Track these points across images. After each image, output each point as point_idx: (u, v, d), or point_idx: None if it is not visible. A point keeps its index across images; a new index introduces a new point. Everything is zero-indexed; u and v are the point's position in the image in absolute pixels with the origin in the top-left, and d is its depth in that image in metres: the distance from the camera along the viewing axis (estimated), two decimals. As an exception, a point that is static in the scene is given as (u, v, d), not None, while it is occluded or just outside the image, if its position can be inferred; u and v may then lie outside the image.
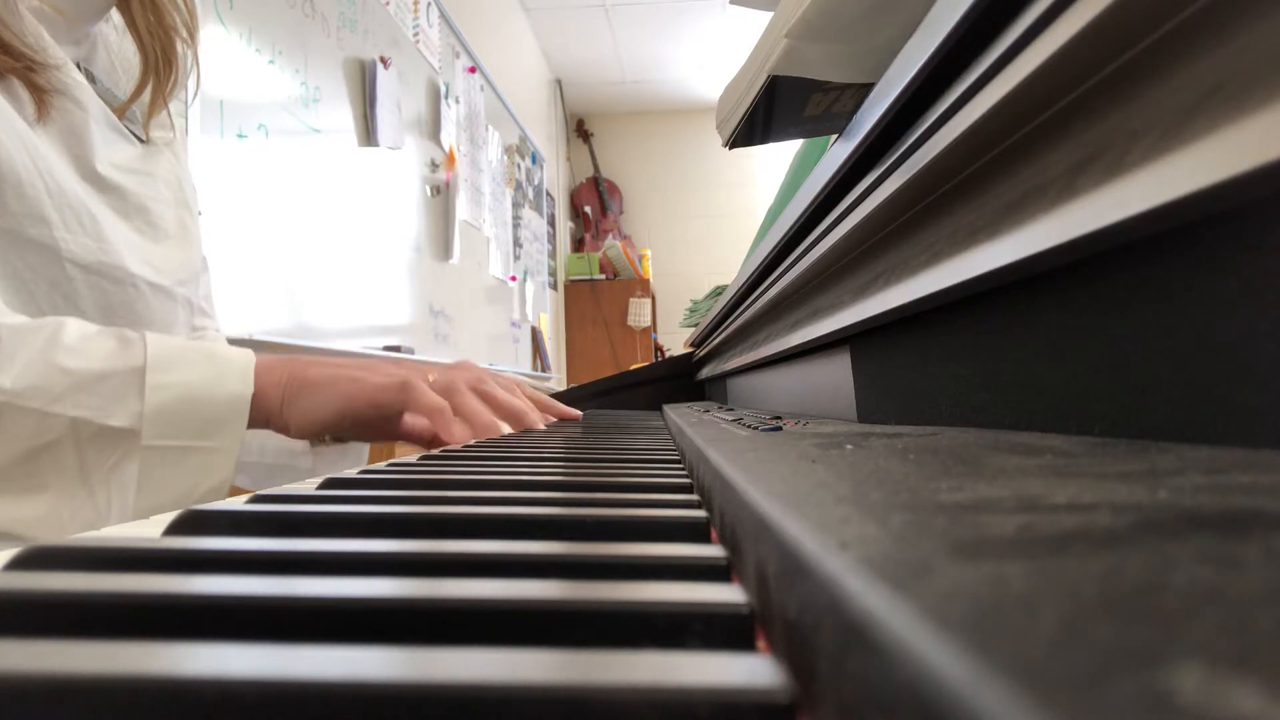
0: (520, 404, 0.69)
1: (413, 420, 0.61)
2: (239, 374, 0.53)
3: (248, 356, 0.55)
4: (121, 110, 0.62)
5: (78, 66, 0.59)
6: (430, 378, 0.63)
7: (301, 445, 0.68)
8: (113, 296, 0.57)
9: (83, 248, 0.54)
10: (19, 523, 0.46)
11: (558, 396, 1.52)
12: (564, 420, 0.78)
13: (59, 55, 0.56)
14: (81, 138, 0.57)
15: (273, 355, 0.58)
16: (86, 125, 0.57)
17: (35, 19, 0.55)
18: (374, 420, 0.59)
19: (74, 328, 0.49)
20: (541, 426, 0.72)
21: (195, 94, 0.70)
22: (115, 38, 0.66)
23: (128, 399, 0.48)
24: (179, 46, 0.66)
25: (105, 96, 0.61)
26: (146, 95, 0.64)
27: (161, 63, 0.64)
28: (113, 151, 0.60)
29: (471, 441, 0.60)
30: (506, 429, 0.68)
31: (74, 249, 0.53)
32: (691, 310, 1.97)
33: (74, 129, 0.56)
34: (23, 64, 0.52)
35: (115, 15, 0.65)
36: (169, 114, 0.68)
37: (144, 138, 0.65)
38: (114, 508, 0.48)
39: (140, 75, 0.63)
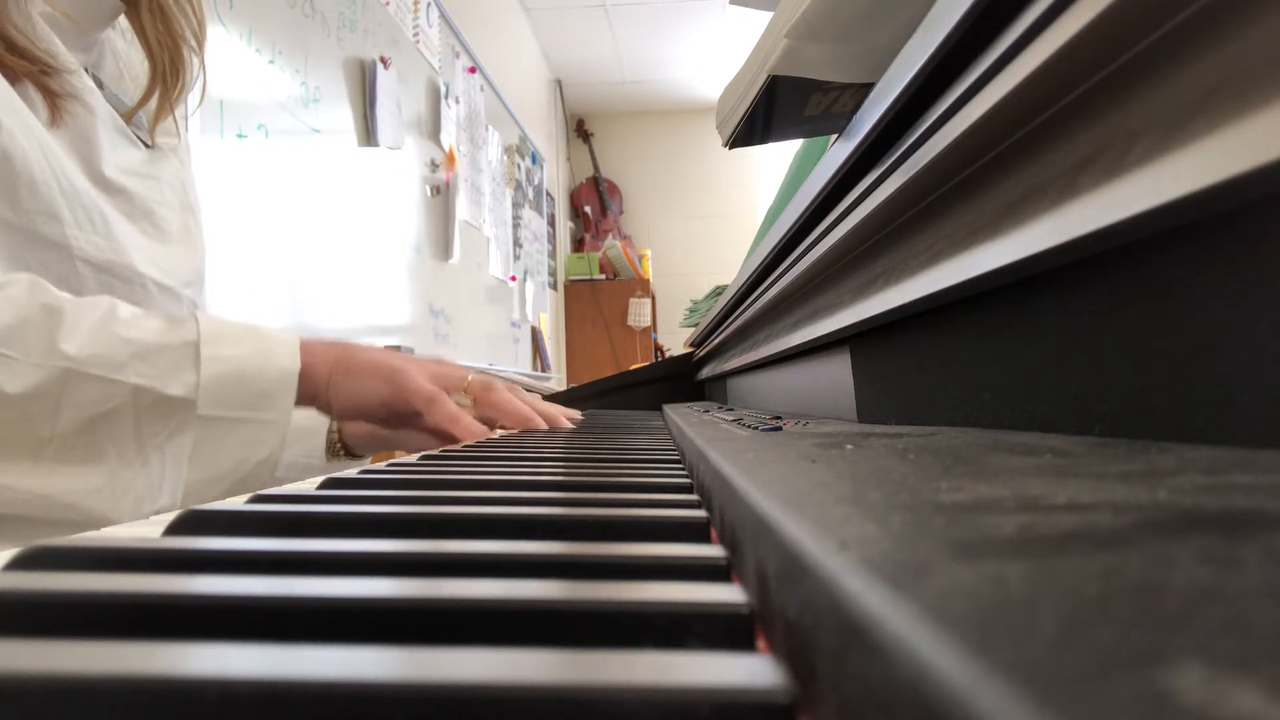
0: (551, 409, 0.74)
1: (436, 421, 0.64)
2: (287, 351, 0.56)
3: (293, 335, 0.58)
4: (129, 116, 0.63)
5: (86, 72, 0.59)
6: (470, 377, 0.67)
7: (319, 460, 0.70)
8: (121, 295, 0.57)
9: (93, 246, 0.55)
10: (75, 493, 0.47)
11: (557, 397, 1.52)
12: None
13: (70, 60, 0.57)
14: (90, 141, 0.57)
15: (318, 338, 0.61)
16: (95, 129, 0.58)
17: (47, 25, 0.56)
18: (406, 415, 0.62)
19: (125, 306, 0.51)
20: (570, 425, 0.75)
21: (200, 101, 0.71)
22: (123, 45, 0.66)
23: (184, 370, 0.50)
24: (186, 54, 0.66)
25: (112, 102, 0.62)
26: (153, 102, 0.64)
27: (169, 70, 0.64)
28: (120, 155, 0.60)
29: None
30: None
31: (85, 247, 0.54)
32: (691, 310, 1.97)
33: (83, 132, 0.57)
34: (37, 67, 0.53)
35: (124, 23, 0.65)
36: (175, 120, 0.68)
37: (149, 143, 0.65)
38: (167, 479, 0.50)
39: (148, 82, 0.64)
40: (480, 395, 0.66)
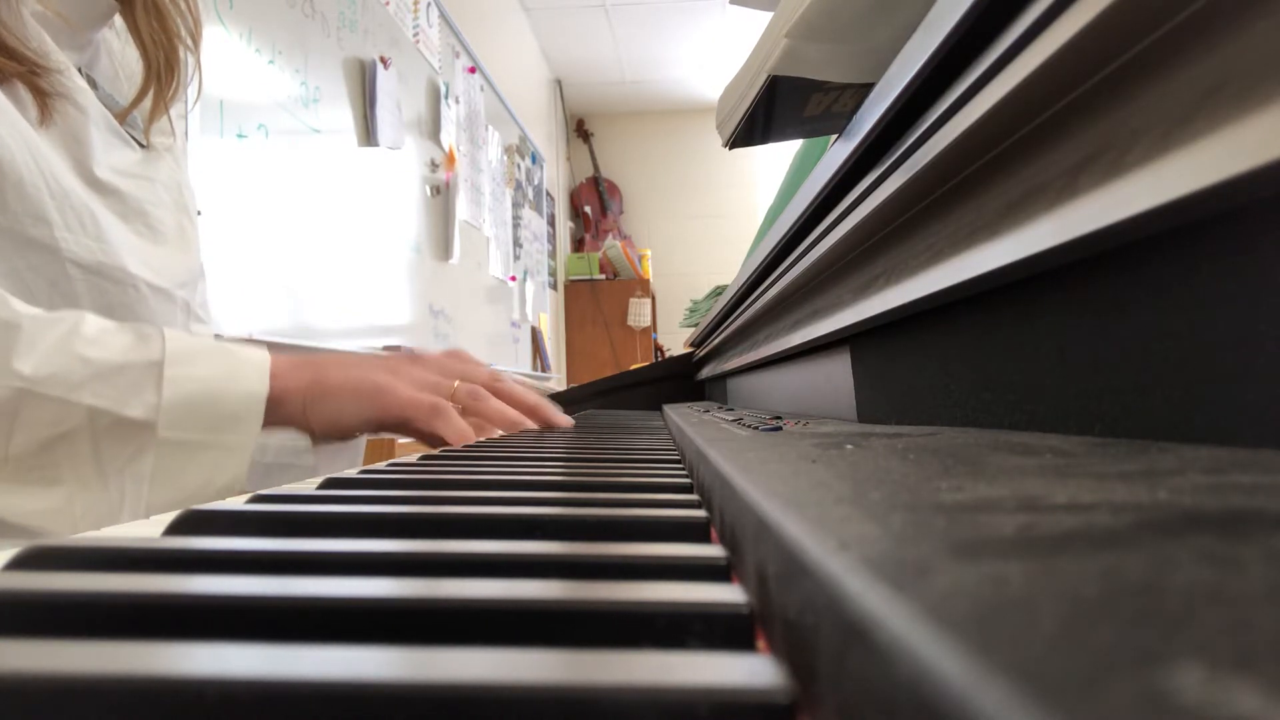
0: (537, 398, 0.72)
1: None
2: (256, 373, 0.54)
3: (264, 356, 0.56)
4: (123, 116, 0.62)
5: (80, 72, 0.59)
6: (455, 384, 0.65)
7: (304, 443, 0.69)
8: (113, 297, 0.57)
9: (83, 248, 0.54)
10: (33, 515, 0.45)
11: (557, 396, 1.52)
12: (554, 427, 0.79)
13: (61, 60, 0.56)
14: (81, 141, 0.57)
15: (292, 355, 0.59)
16: (86, 129, 0.57)
17: (38, 24, 0.56)
18: (398, 430, 0.61)
19: (93, 321, 0.49)
20: (565, 421, 0.74)
21: (196, 100, 0.70)
22: (118, 44, 0.66)
23: (145, 391, 0.48)
24: (181, 53, 0.65)
25: (107, 102, 0.61)
26: (148, 101, 0.64)
27: (164, 69, 0.64)
28: (112, 155, 0.60)
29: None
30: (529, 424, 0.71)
31: (75, 249, 0.54)
32: (691, 310, 1.97)
33: (74, 132, 0.56)
34: (26, 67, 0.52)
35: (119, 21, 0.65)
36: (170, 120, 0.68)
37: (144, 143, 0.65)
38: (127, 501, 0.48)
39: (142, 81, 0.63)
40: (469, 405, 0.65)
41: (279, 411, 0.54)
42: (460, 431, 0.60)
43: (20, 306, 0.47)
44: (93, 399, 0.47)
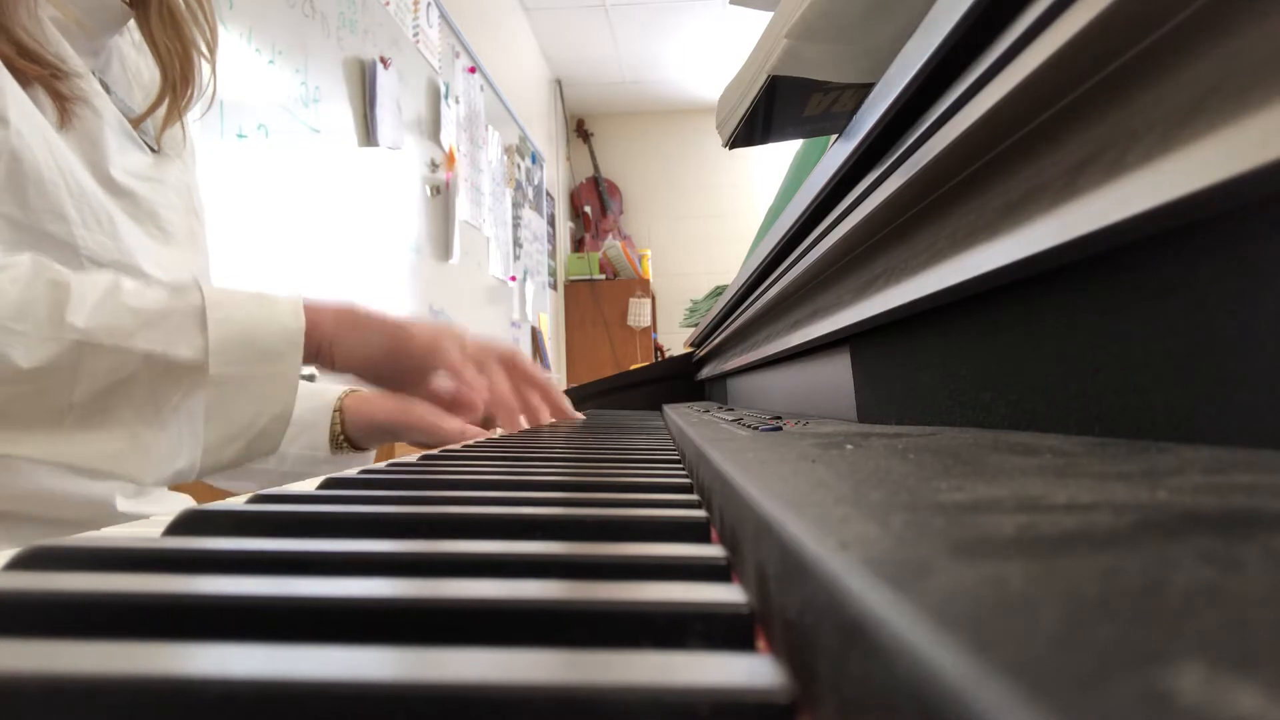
0: (546, 379, 0.76)
1: (439, 382, 0.66)
2: (291, 311, 0.57)
3: (297, 295, 0.59)
4: (138, 121, 0.63)
5: (94, 76, 0.60)
6: (466, 342, 0.68)
7: (324, 453, 0.70)
8: None
9: (100, 246, 0.55)
10: (100, 458, 0.48)
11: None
12: (562, 420, 0.81)
13: (79, 64, 0.57)
14: (97, 144, 0.58)
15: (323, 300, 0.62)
16: (102, 132, 0.58)
17: (55, 30, 0.56)
18: (410, 370, 0.64)
19: (127, 280, 0.52)
20: (569, 409, 0.78)
21: (209, 108, 0.71)
22: (132, 52, 0.66)
23: (192, 334, 0.52)
24: (197, 61, 0.66)
25: (119, 107, 0.62)
26: (162, 108, 0.64)
27: (179, 79, 0.65)
28: (126, 158, 0.61)
29: (486, 424, 0.67)
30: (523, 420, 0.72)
31: (91, 247, 0.55)
32: (691, 310, 1.97)
33: (90, 135, 0.57)
34: (48, 71, 0.54)
35: (134, 29, 0.65)
36: (182, 124, 0.68)
37: (156, 147, 0.65)
38: (185, 439, 0.51)
39: (159, 89, 0.64)
40: (478, 366, 0.67)
41: (308, 342, 0.57)
42: (454, 362, 0.63)
43: (62, 267, 0.49)
44: (146, 344, 0.49)
